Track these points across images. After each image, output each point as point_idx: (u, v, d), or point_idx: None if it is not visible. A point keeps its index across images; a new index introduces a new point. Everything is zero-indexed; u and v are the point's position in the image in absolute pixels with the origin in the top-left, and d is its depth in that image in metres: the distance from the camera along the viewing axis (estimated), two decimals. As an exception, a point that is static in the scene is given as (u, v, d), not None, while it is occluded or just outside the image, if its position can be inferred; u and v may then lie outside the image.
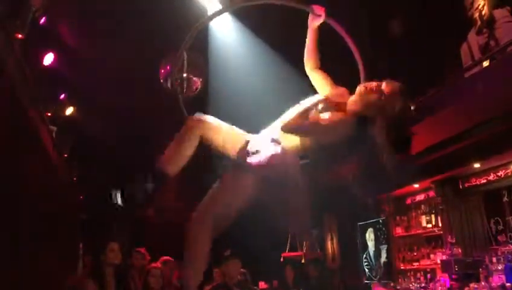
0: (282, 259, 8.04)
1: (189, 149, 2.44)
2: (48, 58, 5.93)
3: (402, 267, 7.78)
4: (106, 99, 6.71)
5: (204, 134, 2.43)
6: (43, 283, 5.44)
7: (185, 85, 5.58)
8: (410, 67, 5.62)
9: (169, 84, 5.81)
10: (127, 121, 7.52)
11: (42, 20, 5.29)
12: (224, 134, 2.46)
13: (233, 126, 2.52)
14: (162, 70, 5.93)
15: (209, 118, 2.48)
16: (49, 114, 5.99)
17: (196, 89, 5.84)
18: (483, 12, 4.85)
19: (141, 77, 6.11)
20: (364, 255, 8.86)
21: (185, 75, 5.65)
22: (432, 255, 7.18)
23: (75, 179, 7.72)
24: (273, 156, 2.29)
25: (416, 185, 7.23)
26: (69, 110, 6.90)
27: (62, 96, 6.99)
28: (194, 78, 5.64)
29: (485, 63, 4.68)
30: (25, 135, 4.81)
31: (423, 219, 7.39)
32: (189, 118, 2.51)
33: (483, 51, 4.81)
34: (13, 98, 4.26)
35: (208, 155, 2.51)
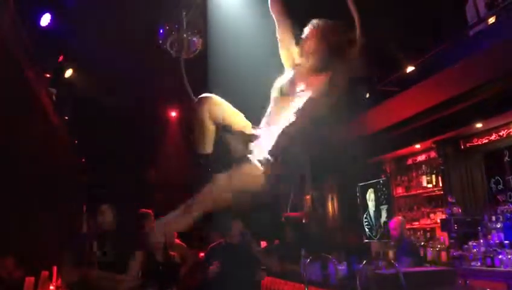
0: (283, 219, 8.12)
1: (209, 126, 2.45)
2: (45, 19, 5.82)
3: (402, 227, 7.87)
4: (105, 59, 6.62)
5: (211, 110, 2.44)
6: (44, 242, 5.53)
7: (184, 46, 5.48)
8: (411, 25, 5.51)
9: (168, 45, 5.71)
10: (127, 81, 7.46)
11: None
12: (232, 112, 2.50)
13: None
14: (161, 31, 5.81)
15: (215, 97, 2.50)
16: (48, 76, 5.94)
17: (196, 50, 5.74)
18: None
19: (141, 36, 6.00)
20: (365, 215, 8.95)
21: (184, 35, 5.54)
22: (431, 215, 7.26)
23: (76, 141, 7.73)
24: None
25: (417, 146, 7.24)
26: (68, 72, 6.81)
27: (61, 58, 6.90)
28: (194, 39, 5.53)
29: (491, 20, 4.57)
30: (23, 97, 4.78)
31: (424, 179, 7.42)
32: (196, 101, 2.52)
33: (489, 7, 4.69)
34: (11, 60, 4.21)
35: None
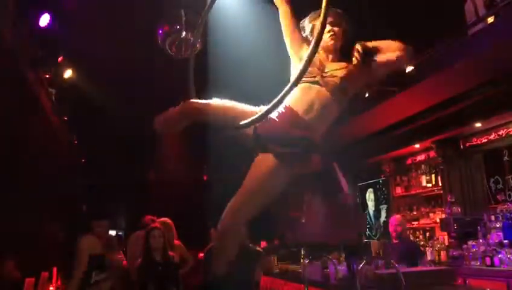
0: (283, 219, 8.10)
1: (181, 125, 2.50)
2: (44, 20, 5.82)
3: (401, 226, 7.87)
4: (104, 60, 6.61)
5: (198, 118, 2.44)
6: (44, 243, 5.53)
7: (183, 46, 5.48)
8: (410, 24, 5.50)
9: (167, 45, 5.71)
10: (126, 82, 7.45)
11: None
12: (224, 110, 2.41)
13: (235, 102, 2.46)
14: (160, 31, 5.81)
15: (202, 103, 2.45)
16: (47, 76, 5.93)
17: (195, 50, 5.72)
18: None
19: (140, 36, 6.00)
20: (364, 215, 8.96)
21: (183, 35, 5.53)
22: (431, 214, 7.27)
23: (75, 142, 7.73)
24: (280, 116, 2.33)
25: (417, 145, 7.24)
26: (68, 73, 6.80)
27: (60, 58, 6.89)
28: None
29: (490, 20, 4.56)
30: (23, 97, 4.78)
31: (423, 179, 7.43)
32: (183, 104, 2.50)
33: (488, 7, 4.68)
34: (10, 60, 4.21)
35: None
